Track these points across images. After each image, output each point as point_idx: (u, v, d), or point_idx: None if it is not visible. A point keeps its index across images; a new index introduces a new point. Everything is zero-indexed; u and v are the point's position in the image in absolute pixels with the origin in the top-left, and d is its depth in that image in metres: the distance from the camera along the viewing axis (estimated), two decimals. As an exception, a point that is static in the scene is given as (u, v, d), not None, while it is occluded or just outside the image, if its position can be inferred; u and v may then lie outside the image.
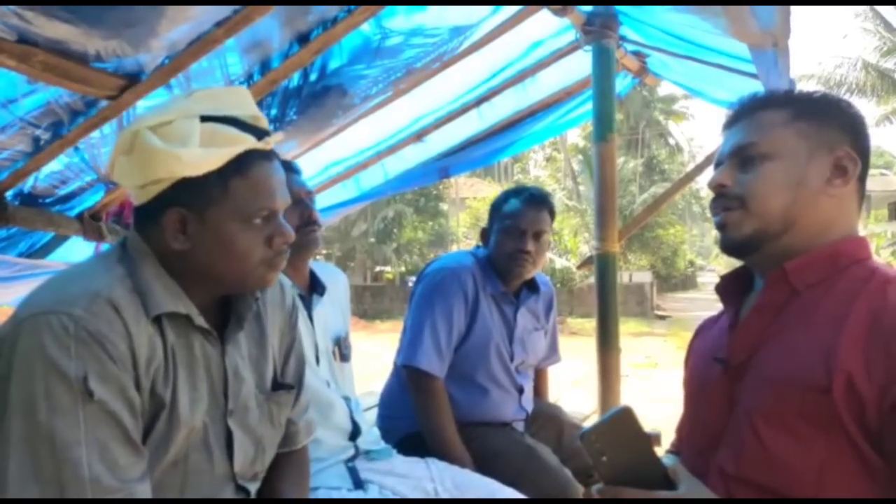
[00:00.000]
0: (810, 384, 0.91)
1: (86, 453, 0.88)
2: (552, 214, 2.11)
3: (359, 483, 1.56)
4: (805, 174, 1.02)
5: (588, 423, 2.62)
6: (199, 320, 1.05)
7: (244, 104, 1.07)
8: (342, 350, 1.75)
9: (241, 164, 1.01)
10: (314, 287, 1.71)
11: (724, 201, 1.07)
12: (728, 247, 1.09)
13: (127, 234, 1.08)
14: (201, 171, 0.98)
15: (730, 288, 1.15)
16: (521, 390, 2.13)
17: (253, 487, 1.16)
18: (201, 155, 0.97)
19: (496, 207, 2.12)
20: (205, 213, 1.00)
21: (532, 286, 2.18)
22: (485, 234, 2.16)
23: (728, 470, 1.01)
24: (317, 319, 1.68)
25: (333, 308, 1.78)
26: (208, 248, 1.02)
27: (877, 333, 0.90)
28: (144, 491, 0.94)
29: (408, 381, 1.99)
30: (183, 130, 0.98)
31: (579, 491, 1.84)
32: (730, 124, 1.12)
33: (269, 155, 1.06)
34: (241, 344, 1.14)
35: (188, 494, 1.04)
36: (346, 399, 1.67)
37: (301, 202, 1.61)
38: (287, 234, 1.09)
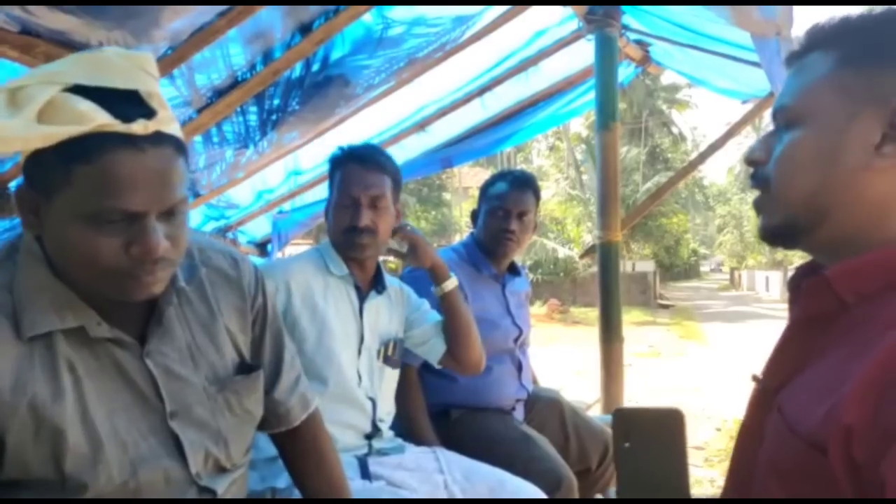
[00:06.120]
0: (811, 439, 0.67)
1: None
2: (537, 196, 2.18)
3: (366, 474, 1.55)
4: (839, 145, 0.74)
5: (591, 413, 2.62)
6: (97, 330, 0.91)
7: (137, 76, 0.84)
8: (388, 352, 1.71)
9: (89, 148, 0.79)
10: (375, 283, 1.69)
11: (755, 181, 0.83)
12: (761, 235, 0.85)
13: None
14: (13, 147, 0.80)
15: (798, 284, 0.84)
16: (520, 367, 2.16)
17: (220, 484, 1.04)
18: (19, 129, 0.78)
19: (484, 190, 2.20)
20: (51, 200, 0.83)
21: (514, 270, 2.26)
22: (474, 216, 2.24)
23: None
24: (367, 313, 1.67)
25: (391, 311, 1.75)
26: (55, 239, 0.86)
27: (891, 378, 0.63)
28: None
29: None
30: (27, 98, 0.80)
31: (573, 481, 1.81)
32: (789, 63, 0.83)
33: (136, 141, 0.81)
34: (171, 338, 0.99)
35: None
36: (373, 401, 1.65)
37: (355, 204, 1.58)
38: (149, 247, 0.84)
